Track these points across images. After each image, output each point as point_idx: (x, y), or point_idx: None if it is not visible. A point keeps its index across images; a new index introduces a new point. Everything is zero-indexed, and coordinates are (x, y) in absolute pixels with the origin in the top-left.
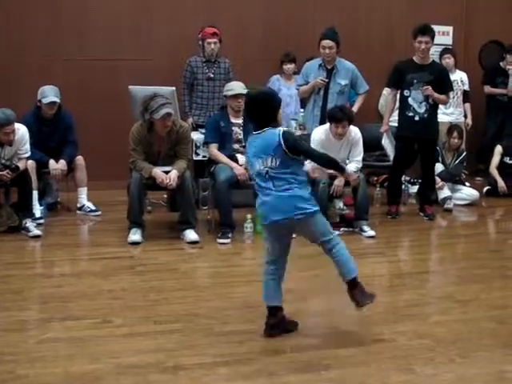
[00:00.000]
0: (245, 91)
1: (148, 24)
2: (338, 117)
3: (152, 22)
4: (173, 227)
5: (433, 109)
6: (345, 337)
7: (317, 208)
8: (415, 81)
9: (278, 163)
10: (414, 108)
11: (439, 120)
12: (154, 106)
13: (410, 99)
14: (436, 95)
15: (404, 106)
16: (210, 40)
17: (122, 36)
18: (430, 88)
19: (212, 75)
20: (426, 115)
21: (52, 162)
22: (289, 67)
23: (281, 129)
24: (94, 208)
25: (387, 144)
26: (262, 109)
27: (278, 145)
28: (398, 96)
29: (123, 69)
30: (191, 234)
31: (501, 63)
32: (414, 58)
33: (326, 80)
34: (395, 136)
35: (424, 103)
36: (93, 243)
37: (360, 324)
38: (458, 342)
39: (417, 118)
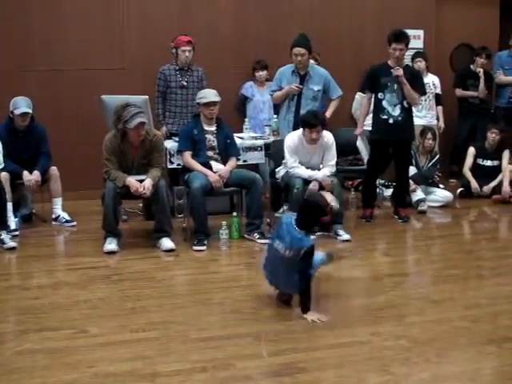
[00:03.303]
0: (217, 98)
1: (120, 33)
2: (311, 122)
3: (124, 31)
4: (148, 236)
5: (407, 111)
6: (320, 339)
7: None
8: (389, 84)
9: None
10: (388, 111)
11: None
12: (127, 115)
13: (384, 102)
14: (407, 84)
15: (378, 109)
16: (184, 48)
17: (93, 46)
18: (401, 69)
19: (185, 83)
20: (400, 118)
21: (26, 173)
22: (261, 74)
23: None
24: (69, 218)
25: (362, 147)
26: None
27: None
28: (373, 99)
29: (95, 78)
30: (167, 242)
31: (471, 66)
32: (389, 61)
33: (301, 86)
34: (369, 140)
35: (398, 106)
36: (68, 254)
37: (336, 326)
38: (433, 342)
39: (391, 121)
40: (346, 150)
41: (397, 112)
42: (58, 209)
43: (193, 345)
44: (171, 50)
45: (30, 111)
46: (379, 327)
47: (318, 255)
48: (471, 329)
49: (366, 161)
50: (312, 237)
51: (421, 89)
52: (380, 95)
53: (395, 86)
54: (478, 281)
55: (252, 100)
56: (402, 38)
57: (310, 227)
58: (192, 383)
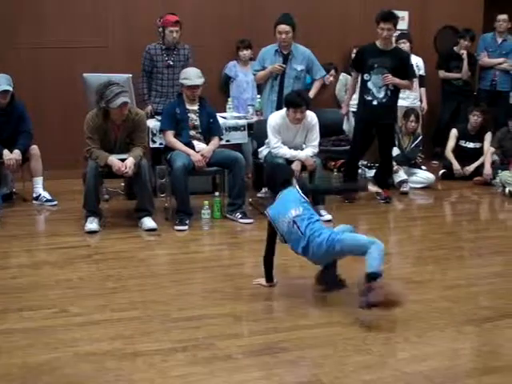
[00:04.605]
0: (201, 81)
1: (103, 11)
2: (296, 102)
3: (107, 9)
4: (130, 215)
5: (393, 94)
6: (302, 319)
7: None
8: (376, 65)
9: None
10: (372, 92)
11: None
12: (110, 94)
13: (369, 83)
14: (398, 81)
15: (363, 89)
16: (172, 28)
17: (76, 23)
18: (390, 76)
19: (172, 63)
20: (384, 100)
21: (6, 152)
22: (245, 53)
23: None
24: (50, 198)
25: (348, 128)
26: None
27: None
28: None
29: (78, 56)
30: (149, 222)
31: (455, 48)
32: (377, 42)
33: (284, 66)
34: (355, 119)
35: (383, 88)
36: (49, 233)
37: (317, 306)
38: (413, 322)
39: (375, 103)
40: (328, 130)
41: (382, 94)
42: (39, 188)
43: (174, 324)
44: (158, 29)
45: (11, 89)
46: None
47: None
48: (451, 309)
49: None
50: None
51: (410, 72)
52: (366, 76)
53: (382, 68)
54: (459, 261)
55: (235, 80)
56: (389, 17)
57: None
58: (173, 363)
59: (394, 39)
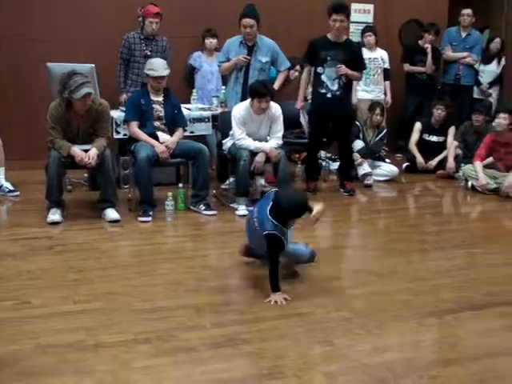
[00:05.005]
0: (166, 72)
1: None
2: (261, 91)
3: None
4: (93, 206)
5: (346, 86)
6: (263, 311)
7: None
8: (329, 58)
9: None
10: (326, 85)
11: (360, 97)
12: (73, 85)
13: (323, 76)
14: (350, 72)
15: (317, 82)
16: (152, 20)
17: (40, 14)
18: (344, 67)
19: (149, 53)
20: (338, 93)
21: None
22: (211, 41)
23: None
24: (12, 188)
25: (304, 121)
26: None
27: None
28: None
29: (41, 46)
30: (112, 213)
31: (420, 42)
32: (329, 35)
33: (249, 58)
34: (309, 113)
35: (337, 80)
36: (11, 224)
37: None
38: (375, 314)
39: (329, 96)
40: (292, 122)
41: (335, 86)
42: (1, 178)
43: (136, 316)
44: (138, 18)
45: None
46: (322, 299)
47: (301, 246)
48: (413, 301)
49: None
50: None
51: (361, 65)
52: (319, 69)
53: (335, 61)
54: (421, 254)
55: (200, 70)
56: (341, 9)
57: (283, 221)
58: (135, 354)
59: (351, 32)
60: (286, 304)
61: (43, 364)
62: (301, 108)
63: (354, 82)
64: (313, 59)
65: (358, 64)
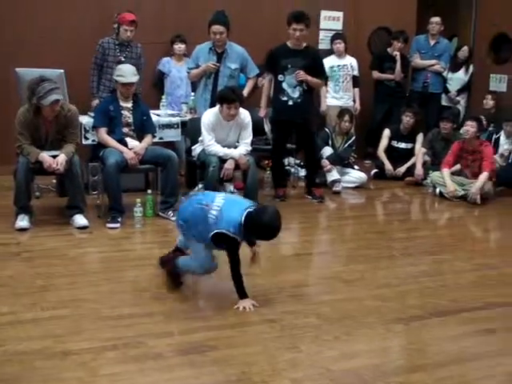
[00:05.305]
0: (135, 79)
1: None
2: (230, 97)
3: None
4: (61, 212)
5: (307, 93)
6: (231, 318)
7: None
8: (289, 66)
9: None
10: (287, 93)
11: (329, 104)
12: (42, 91)
13: (283, 84)
14: (310, 78)
15: (278, 90)
16: (127, 27)
17: (11, 16)
18: (302, 72)
19: (123, 59)
20: (299, 100)
21: None
22: (180, 47)
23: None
24: None
25: (267, 129)
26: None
27: None
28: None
29: (9, 50)
30: (80, 219)
31: (388, 49)
32: (288, 42)
33: (218, 64)
34: (270, 120)
35: (298, 87)
36: None
37: None
38: (343, 320)
39: (290, 103)
40: (261, 129)
41: (296, 94)
42: None
43: (104, 323)
44: (113, 24)
45: None
46: (290, 306)
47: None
48: (380, 308)
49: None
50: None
51: (322, 72)
52: (280, 77)
53: (295, 68)
54: (389, 261)
55: (169, 76)
56: (301, 18)
57: (248, 234)
58: (103, 361)
59: (321, 39)
60: (254, 310)
61: (9, 372)
62: (264, 116)
63: (323, 89)
64: (273, 67)
65: (318, 70)
